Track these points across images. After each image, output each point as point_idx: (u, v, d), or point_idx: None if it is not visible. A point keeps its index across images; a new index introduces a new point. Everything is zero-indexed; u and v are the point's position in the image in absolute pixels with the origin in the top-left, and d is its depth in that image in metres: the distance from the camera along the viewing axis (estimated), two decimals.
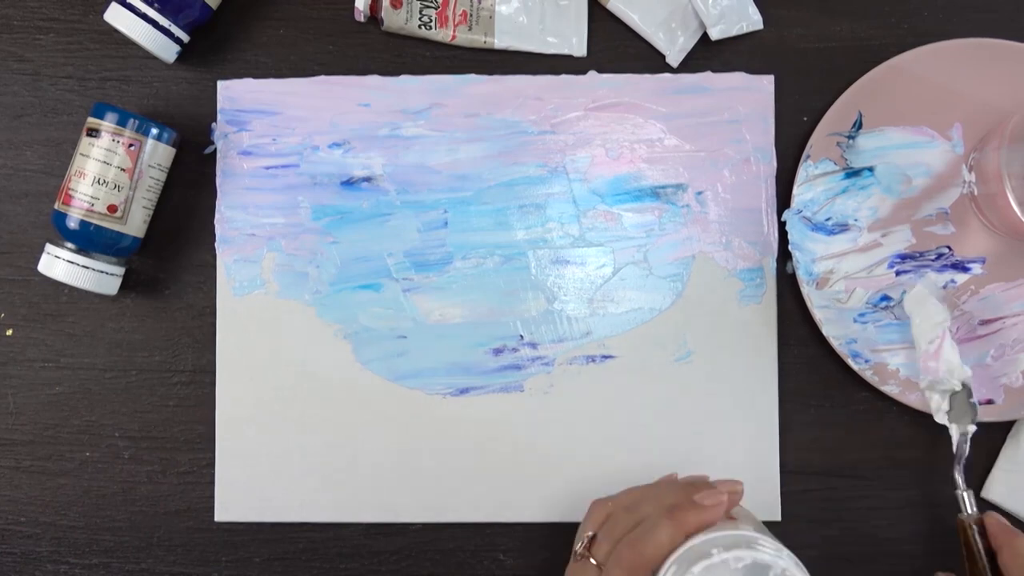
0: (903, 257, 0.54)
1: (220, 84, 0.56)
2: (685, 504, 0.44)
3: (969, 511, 0.51)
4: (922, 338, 0.52)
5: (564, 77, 0.56)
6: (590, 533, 0.47)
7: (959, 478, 0.51)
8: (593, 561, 0.45)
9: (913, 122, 0.54)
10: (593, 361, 0.55)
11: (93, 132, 0.52)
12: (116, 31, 0.53)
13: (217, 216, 0.55)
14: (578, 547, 0.47)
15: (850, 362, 0.53)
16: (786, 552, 0.42)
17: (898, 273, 0.54)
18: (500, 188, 0.55)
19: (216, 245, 0.55)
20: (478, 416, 0.55)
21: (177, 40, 0.53)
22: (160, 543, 0.55)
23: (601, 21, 0.56)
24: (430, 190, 0.55)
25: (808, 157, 0.54)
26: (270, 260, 0.55)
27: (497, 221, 0.55)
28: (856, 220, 0.54)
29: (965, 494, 0.51)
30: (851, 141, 0.54)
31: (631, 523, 0.45)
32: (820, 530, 0.55)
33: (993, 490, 0.54)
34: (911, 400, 0.53)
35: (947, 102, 0.54)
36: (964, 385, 0.51)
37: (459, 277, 0.55)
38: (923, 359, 0.51)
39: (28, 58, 0.57)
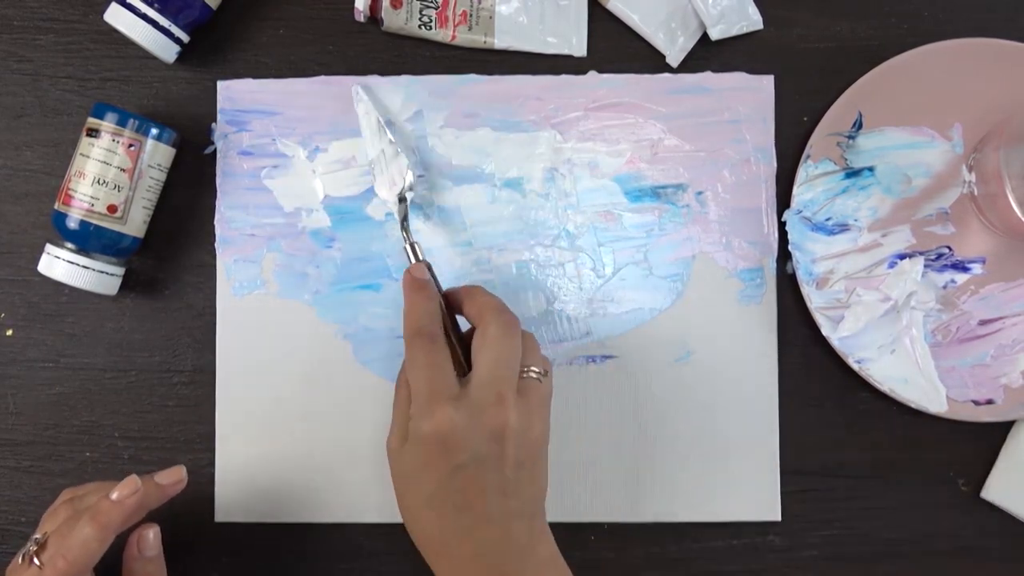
0: (903, 257, 0.54)
1: (220, 84, 0.56)
2: (102, 502, 0.45)
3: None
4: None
5: (564, 77, 0.56)
6: (38, 536, 0.45)
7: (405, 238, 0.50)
8: (37, 562, 0.44)
9: (913, 122, 0.54)
10: (593, 361, 0.55)
11: (93, 132, 0.52)
12: (116, 31, 0.53)
13: (217, 216, 0.55)
14: (31, 547, 0.45)
15: (850, 362, 0.53)
16: None
17: None
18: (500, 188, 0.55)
19: (216, 245, 0.55)
20: None
21: (177, 40, 0.53)
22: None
23: (601, 21, 0.56)
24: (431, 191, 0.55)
25: (808, 157, 0.54)
26: (270, 260, 0.55)
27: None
28: (856, 220, 0.54)
29: (408, 247, 0.50)
30: (851, 141, 0.54)
31: (68, 515, 0.46)
32: (820, 530, 0.55)
33: (993, 490, 0.54)
34: (911, 399, 0.53)
35: (947, 102, 0.54)
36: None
37: (459, 277, 0.55)
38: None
39: (28, 58, 0.57)
